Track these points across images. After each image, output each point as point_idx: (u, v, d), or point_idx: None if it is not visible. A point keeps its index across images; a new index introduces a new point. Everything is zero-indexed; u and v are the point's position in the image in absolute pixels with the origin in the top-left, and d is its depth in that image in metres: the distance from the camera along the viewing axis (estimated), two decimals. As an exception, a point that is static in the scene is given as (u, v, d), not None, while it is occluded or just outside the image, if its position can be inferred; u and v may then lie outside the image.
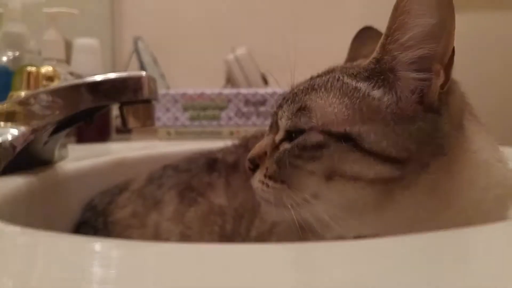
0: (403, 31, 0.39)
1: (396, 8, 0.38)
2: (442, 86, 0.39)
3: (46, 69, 0.66)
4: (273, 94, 1.20)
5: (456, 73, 0.41)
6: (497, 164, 0.42)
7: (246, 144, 0.68)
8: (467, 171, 0.40)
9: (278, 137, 0.45)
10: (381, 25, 0.52)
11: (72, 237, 0.43)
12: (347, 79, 0.42)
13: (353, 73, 0.42)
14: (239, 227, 0.58)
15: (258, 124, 1.22)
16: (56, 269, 0.25)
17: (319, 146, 0.39)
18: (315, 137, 0.40)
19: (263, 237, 0.54)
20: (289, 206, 0.41)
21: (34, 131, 0.56)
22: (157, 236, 0.61)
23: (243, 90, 1.27)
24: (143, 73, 0.59)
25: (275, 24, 1.75)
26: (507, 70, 1.77)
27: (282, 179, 0.42)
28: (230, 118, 1.25)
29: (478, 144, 0.41)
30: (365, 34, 0.56)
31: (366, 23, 0.57)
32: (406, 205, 0.39)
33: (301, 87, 0.44)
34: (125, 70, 1.64)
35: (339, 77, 0.43)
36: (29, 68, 0.64)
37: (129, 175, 0.74)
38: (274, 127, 0.46)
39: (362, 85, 0.41)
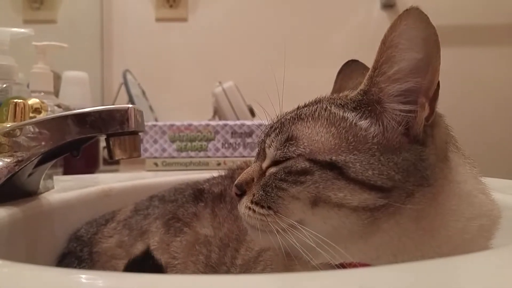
0: (390, 64, 0.40)
1: (384, 42, 0.39)
2: (427, 119, 0.40)
3: (33, 101, 0.66)
4: (259, 126, 1.21)
5: (441, 107, 0.42)
6: (481, 195, 0.43)
7: (232, 175, 0.69)
8: (451, 201, 0.40)
9: (265, 164, 0.45)
10: (365, 60, 0.53)
11: (55, 270, 0.42)
12: (334, 109, 0.43)
13: (340, 104, 0.43)
14: (224, 256, 0.57)
15: (245, 155, 1.23)
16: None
17: (303, 172, 0.40)
18: (300, 164, 0.40)
19: (249, 265, 0.53)
20: (275, 232, 0.41)
21: (18, 162, 0.56)
22: None
23: (230, 122, 1.28)
24: (130, 105, 0.60)
25: (260, 59, 1.79)
26: (489, 104, 1.81)
27: (268, 205, 0.42)
28: (217, 149, 1.26)
29: (462, 176, 0.42)
30: (350, 67, 0.57)
31: (350, 57, 0.58)
32: (391, 233, 0.39)
33: (288, 116, 0.45)
34: (114, 103, 1.64)
35: (326, 106, 0.43)
36: (16, 100, 0.64)
37: (116, 205, 0.73)
38: (262, 154, 0.46)
39: (350, 115, 0.42)
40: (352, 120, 0.41)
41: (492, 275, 0.28)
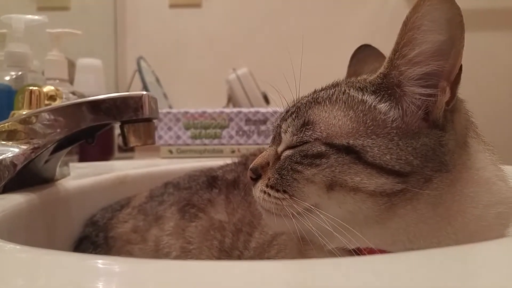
0: (411, 46, 0.39)
1: (405, 24, 0.38)
2: (447, 103, 0.39)
3: (48, 88, 0.66)
4: (274, 113, 1.21)
5: (461, 92, 0.41)
6: (500, 182, 0.42)
7: (245, 162, 0.69)
8: (470, 188, 0.39)
9: (281, 148, 0.45)
10: (380, 45, 0.52)
11: (72, 255, 0.43)
12: (353, 92, 0.42)
13: (359, 87, 0.43)
14: (237, 241, 0.58)
15: (259, 142, 1.23)
16: (56, 287, 0.25)
17: (319, 155, 0.40)
18: (316, 148, 0.40)
19: (263, 248, 0.54)
20: (290, 216, 0.40)
21: (34, 149, 0.56)
22: (157, 251, 0.61)
23: (244, 109, 1.28)
24: (144, 92, 0.60)
25: (275, 44, 1.77)
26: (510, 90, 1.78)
27: (284, 188, 0.42)
28: (231, 137, 1.26)
29: (481, 162, 0.41)
30: (364, 52, 0.56)
31: (367, 42, 0.58)
32: (408, 219, 0.39)
33: (304, 101, 0.45)
34: (128, 90, 1.65)
35: (345, 90, 0.43)
36: (31, 88, 0.64)
37: (130, 192, 0.74)
38: (277, 139, 0.46)
39: (369, 98, 0.41)
40: (371, 103, 0.41)
41: (508, 263, 0.28)
